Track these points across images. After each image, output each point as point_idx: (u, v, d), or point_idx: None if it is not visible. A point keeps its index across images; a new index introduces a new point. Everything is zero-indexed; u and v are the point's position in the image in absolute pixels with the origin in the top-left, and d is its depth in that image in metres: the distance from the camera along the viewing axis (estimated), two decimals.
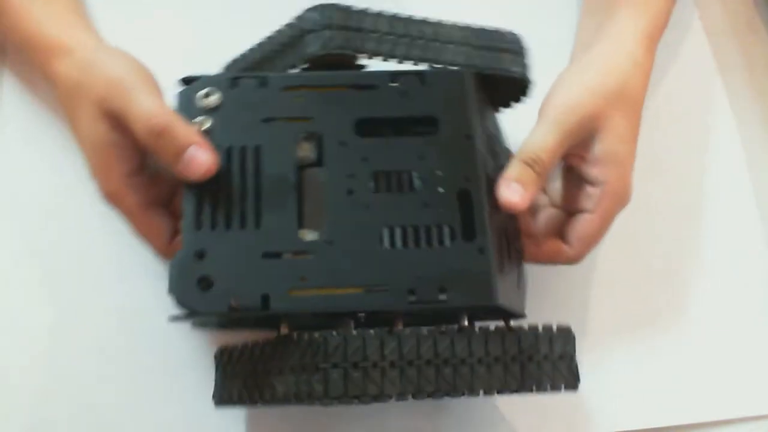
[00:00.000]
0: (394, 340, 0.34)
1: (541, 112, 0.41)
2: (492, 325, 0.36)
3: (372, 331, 0.34)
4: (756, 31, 0.59)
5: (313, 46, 0.39)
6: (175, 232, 0.40)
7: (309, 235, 0.37)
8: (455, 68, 0.40)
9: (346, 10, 0.39)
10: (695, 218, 0.51)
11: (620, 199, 0.41)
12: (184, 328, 0.45)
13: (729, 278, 0.50)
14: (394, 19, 0.40)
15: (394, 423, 0.44)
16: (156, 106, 0.37)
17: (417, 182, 0.37)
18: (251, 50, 0.44)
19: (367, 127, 0.38)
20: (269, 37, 0.42)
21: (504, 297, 0.36)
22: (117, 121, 0.39)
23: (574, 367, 0.37)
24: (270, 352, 0.35)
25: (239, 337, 0.40)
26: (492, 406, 0.45)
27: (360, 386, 0.33)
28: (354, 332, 0.34)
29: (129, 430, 0.44)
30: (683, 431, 0.46)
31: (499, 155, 0.42)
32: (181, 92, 0.39)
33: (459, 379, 0.34)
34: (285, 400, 0.34)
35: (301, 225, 0.37)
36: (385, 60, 0.39)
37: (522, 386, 0.35)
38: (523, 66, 0.42)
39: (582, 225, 0.41)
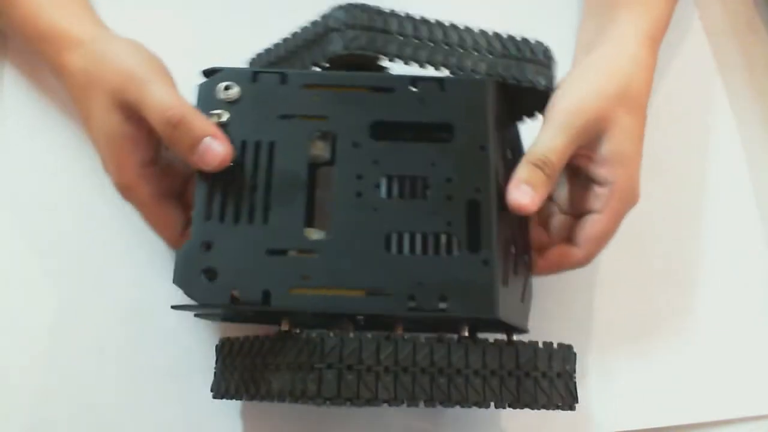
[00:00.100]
0: (390, 345, 0.34)
1: (548, 114, 0.41)
2: (492, 337, 0.36)
3: (369, 335, 0.34)
4: (756, 31, 0.59)
5: (336, 45, 0.39)
6: (187, 224, 0.40)
7: (315, 235, 0.37)
8: (476, 76, 0.39)
9: (372, 11, 0.39)
10: (695, 218, 0.51)
11: (629, 198, 0.41)
12: (184, 328, 0.45)
13: (729, 278, 0.50)
14: (420, 22, 0.40)
15: (393, 423, 0.44)
16: (171, 97, 0.38)
17: (427, 189, 0.37)
18: (276, 45, 0.44)
19: (382, 129, 0.38)
20: (294, 33, 0.43)
21: (505, 311, 0.36)
22: (131, 113, 0.39)
23: (573, 386, 0.37)
24: (269, 347, 0.36)
25: (242, 331, 0.40)
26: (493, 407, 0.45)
27: (353, 389, 0.33)
28: (351, 334, 0.34)
29: (129, 430, 0.44)
30: (683, 431, 0.46)
31: (515, 166, 0.42)
32: (201, 84, 0.39)
33: (453, 389, 0.34)
34: (280, 396, 0.34)
35: (309, 224, 0.37)
36: (407, 63, 0.39)
37: (517, 401, 0.35)
38: (548, 77, 0.41)
39: (591, 225, 0.41)
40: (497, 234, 0.36)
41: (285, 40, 0.43)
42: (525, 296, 0.41)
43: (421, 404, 0.34)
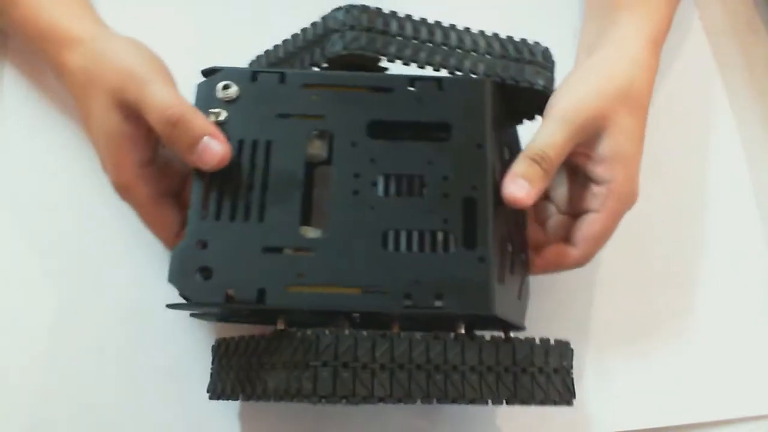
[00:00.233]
0: (386, 342, 0.34)
1: (547, 111, 0.41)
2: (489, 335, 0.36)
3: (365, 332, 0.34)
4: (756, 31, 0.59)
5: (336, 46, 0.39)
6: (184, 224, 0.40)
7: (312, 233, 0.37)
8: (475, 77, 0.40)
9: (372, 12, 0.39)
10: (695, 219, 0.51)
11: (627, 198, 0.41)
12: (184, 328, 0.45)
13: (729, 279, 0.50)
14: (420, 23, 0.40)
15: (391, 421, 0.44)
16: (171, 96, 0.38)
17: (424, 187, 0.37)
18: (276, 47, 0.44)
19: (379, 129, 0.38)
20: (294, 35, 0.43)
21: (501, 308, 0.36)
22: (130, 112, 0.39)
23: (570, 381, 0.37)
24: (264, 347, 0.36)
25: (240, 331, 0.40)
26: (492, 406, 0.45)
27: (349, 386, 0.33)
28: (347, 332, 0.34)
29: (129, 430, 0.44)
30: (683, 431, 0.46)
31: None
32: (201, 83, 0.39)
33: (450, 386, 0.34)
34: (276, 395, 0.34)
35: (305, 222, 0.37)
36: (406, 64, 0.39)
37: (514, 397, 0.35)
38: (547, 78, 0.42)
39: (588, 225, 0.41)
40: (493, 232, 0.36)
41: (285, 41, 0.44)
42: (522, 294, 0.41)
43: (418, 402, 0.34)
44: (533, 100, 0.42)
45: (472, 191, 0.37)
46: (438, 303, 0.35)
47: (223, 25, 0.54)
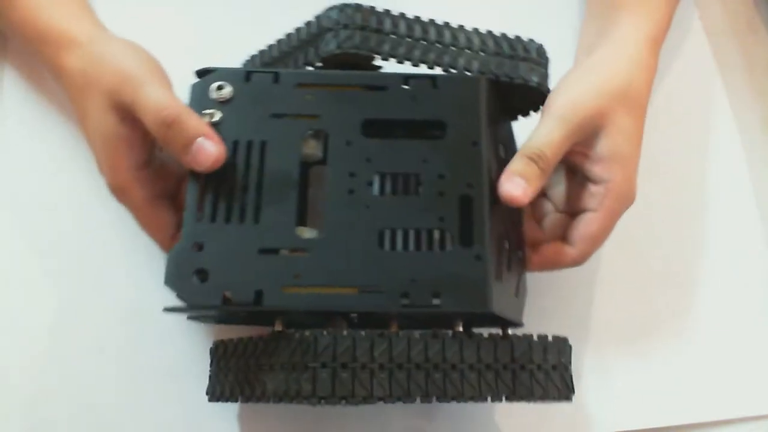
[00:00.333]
0: (384, 342, 0.34)
1: (545, 110, 0.41)
2: (488, 332, 0.36)
3: (363, 332, 0.34)
4: (756, 31, 0.59)
5: (330, 45, 0.39)
6: (180, 226, 0.40)
7: (308, 233, 0.37)
8: (469, 74, 0.40)
9: (366, 11, 0.39)
10: (695, 219, 0.51)
11: (624, 198, 0.41)
12: (185, 328, 0.45)
13: (729, 279, 0.50)
14: (414, 21, 0.40)
15: (393, 422, 0.44)
16: (166, 97, 0.38)
17: (419, 186, 0.37)
18: (270, 47, 0.44)
19: (374, 127, 0.38)
20: (289, 34, 0.43)
21: (499, 305, 0.36)
22: (126, 114, 0.39)
23: (569, 377, 0.37)
24: (262, 348, 0.35)
25: (239, 332, 0.40)
26: (492, 406, 0.45)
27: (348, 387, 0.33)
28: (345, 332, 0.34)
29: (129, 430, 0.44)
30: (683, 431, 0.46)
31: (508, 162, 0.42)
32: (195, 84, 0.39)
33: (449, 384, 0.34)
34: (275, 397, 0.34)
35: (301, 222, 0.37)
36: (400, 62, 0.39)
37: (513, 394, 0.35)
38: (541, 75, 0.42)
39: (585, 224, 0.41)
40: (490, 229, 0.36)
41: (279, 41, 0.43)
42: (519, 290, 0.41)
43: (417, 401, 0.34)
44: (528, 97, 0.42)
45: (468, 189, 0.37)
46: (435, 301, 0.35)
47: (222, 25, 0.54)
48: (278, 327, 0.36)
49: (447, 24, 0.41)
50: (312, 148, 0.38)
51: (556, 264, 0.42)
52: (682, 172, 0.52)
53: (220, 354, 0.39)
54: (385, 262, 0.35)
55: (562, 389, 0.36)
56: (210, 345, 0.41)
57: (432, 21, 0.41)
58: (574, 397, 0.37)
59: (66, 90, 0.43)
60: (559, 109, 0.40)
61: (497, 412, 0.45)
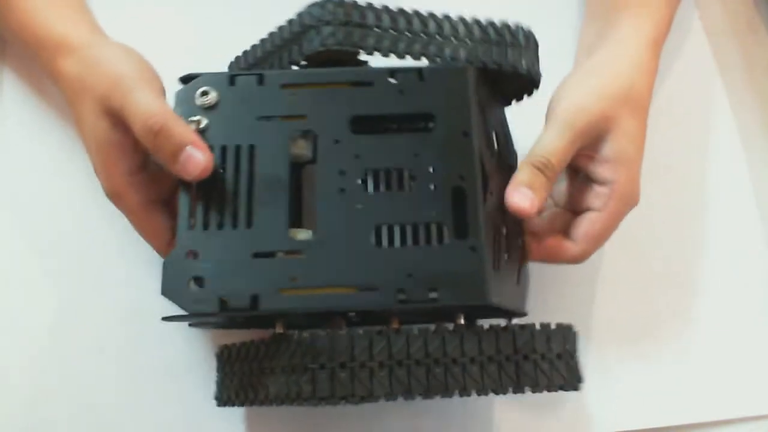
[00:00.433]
0: (383, 339, 0.34)
1: (549, 116, 0.41)
2: (492, 323, 0.35)
3: (361, 331, 0.34)
4: (756, 31, 0.59)
5: (313, 43, 0.38)
6: (176, 231, 0.40)
7: (301, 234, 0.36)
8: (456, 64, 0.39)
9: (349, 5, 0.39)
10: (695, 219, 0.51)
11: (629, 199, 0.41)
12: (184, 328, 0.45)
13: (729, 279, 0.49)
14: (398, 13, 0.40)
15: (394, 422, 0.44)
16: (154, 105, 0.37)
17: (410, 180, 0.36)
18: (254, 47, 0.44)
19: (362, 124, 0.37)
20: (272, 33, 0.42)
21: (497, 295, 0.35)
22: (117, 119, 0.39)
23: (575, 365, 0.36)
24: (264, 351, 0.35)
25: (239, 336, 0.40)
26: (492, 406, 0.45)
27: (347, 387, 0.33)
28: (342, 331, 0.34)
29: (129, 430, 0.44)
30: (683, 431, 0.46)
31: (503, 152, 0.42)
32: (179, 91, 0.39)
33: (451, 379, 0.33)
34: (277, 400, 0.34)
35: (295, 224, 0.37)
36: (385, 56, 0.39)
37: (518, 386, 0.34)
38: (530, 60, 0.41)
39: (589, 222, 0.41)
40: (484, 220, 0.36)
41: (262, 40, 0.43)
42: (521, 278, 0.40)
43: (419, 398, 0.33)
44: (518, 83, 0.42)
45: (460, 180, 0.36)
46: (432, 295, 0.34)
47: (222, 25, 0.54)
48: (279, 329, 0.36)
49: (432, 14, 0.40)
50: (302, 149, 0.38)
51: (556, 257, 0.42)
52: (683, 173, 0.52)
53: (225, 358, 0.39)
54: (379, 259, 0.35)
55: (569, 378, 0.36)
56: (210, 345, 0.41)
57: (417, 12, 0.40)
58: (573, 396, 0.37)
59: (63, 94, 0.43)
60: (563, 115, 0.40)
61: (498, 411, 0.45)
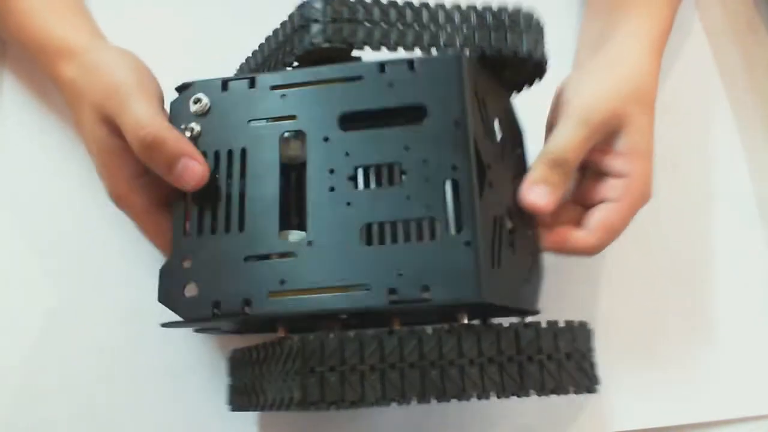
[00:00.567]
0: (374, 341, 0.32)
1: (563, 111, 0.40)
2: (505, 323, 0.34)
3: (351, 333, 0.32)
4: (756, 31, 0.59)
5: (303, 42, 0.38)
6: None
7: (293, 236, 0.36)
8: (449, 52, 0.37)
9: (337, 2, 0.38)
10: (694, 219, 0.51)
11: (643, 193, 0.41)
12: (184, 329, 0.45)
13: (729, 279, 0.49)
14: (389, 5, 0.38)
15: (393, 422, 0.44)
16: (147, 115, 0.37)
17: (403, 174, 0.35)
18: (255, 52, 0.43)
19: (351, 120, 0.37)
20: (268, 37, 0.42)
21: (496, 293, 0.34)
22: (113, 126, 0.39)
23: (588, 366, 0.34)
24: (263, 356, 0.35)
25: (241, 339, 0.40)
26: (492, 406, 0.45)
27: (337, 391, 0.31)
28: (331, 335, 0.32)
29: (129, 430, 0.44)
30: (683, 431, 0.46)
31: (508, 141, 0.40)
32: (174, 100, 0.39)
33: (448, 382, 0.32)
34: (274, 406, 0.34)
35: (288, 226, 0.37)
36: (376, 50, 0.38)
37: (521, 389, 0.33)
38: (531, 43, 0.39)
39: (606, 212, 0.40)
40: (481, 212, 0.34)
41: (260, 45, 0.43)
42: (531, 274, 0.39)
43: (414, 402, 0.32)
44: (522, 68, 0.40)
45: (453, 172, 0.35)
46: (425, 295, 0.33)
47: (222, 27, 0.53)
48: (281, 333, 0.36)
49: (425, 4, 0.39)
50: (295, 149, 0.38)
51: (570, 247, 0.41)
52: (682, 172, 0.52)
53: (235, 362, 0.39)
54: (370, 258, 0.34)
55: (581, 380, 0.34)
56: (209, 346, 0.41)
57: (409, 3, 0.39)
58: (573, 396, 0.36)
59: (63, 98, 0.43)
60: (577, 111, 0.39)
61: (498, 411, 0.45)
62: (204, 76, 0.40)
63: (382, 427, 0.44)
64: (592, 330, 0.35)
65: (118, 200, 0.40)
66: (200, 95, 0.38)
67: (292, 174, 0.39)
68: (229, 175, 0.37)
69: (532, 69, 0.41)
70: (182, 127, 0.38)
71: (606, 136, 0.40)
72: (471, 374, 0.32)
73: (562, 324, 0.34)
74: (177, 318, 0.36)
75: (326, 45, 0.37)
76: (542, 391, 0.33)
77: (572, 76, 0.43)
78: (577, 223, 0.41)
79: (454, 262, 0.33)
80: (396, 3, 0.39)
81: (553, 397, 0.35)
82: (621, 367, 0.47)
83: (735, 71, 0.56)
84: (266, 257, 0.35)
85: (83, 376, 0.44)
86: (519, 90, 0.44)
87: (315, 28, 0.37)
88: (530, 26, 0.39)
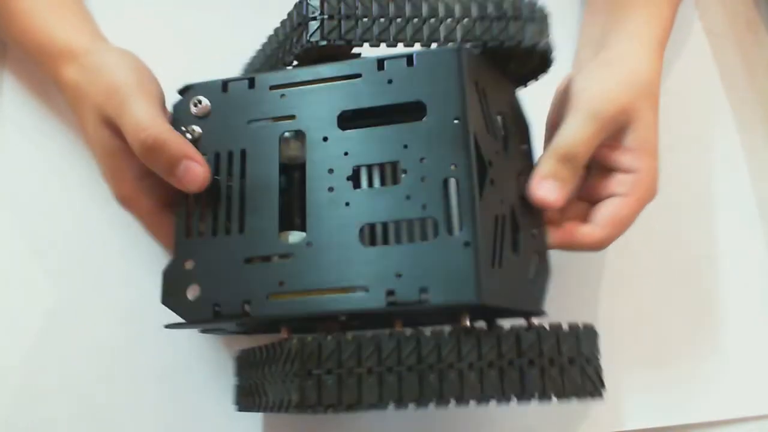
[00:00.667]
0: (371, 344, 0.32)
1: (572, 104, 0.40)
2: (501, 325, 0.34)
3: (350, 335, 0.32)
4: (756, 31, 0.59)
5: (300, 41, 0.38)
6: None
7: (292, 237, 0.36)
8: (449, 45, 0.36)
9: None
10: (694, 219, 0.51)
11: (651, 189, 0.41)
12: (187, 330, 0.45)
13: (728, 279, 0.49)
14: (387, 0, 0.37)
15: (395, 421, 0.44)
16: (148, 117, 0.37)
17: (400, 174, 0.35)
18: (258, 51, 0.43)
19: (350, 119, 0.36)
20: (270, 36, 0.42)
21: (497, 295, 0.33)
22: (115, 128, 0.39)
23: (592, 371, 0.34)
24: (265, 357, 0.35)
25: (244, 340, 0.40)
26: (492, 406, 0.45)
27: (334, 394, 0.31)
28: (329, 337, 0.32)
29: (129, 430, 0.44)
30: (683, 431, 0.46)
31: (513, 137, 0.39)
32: (177, 103, 0.39)
33: (446, 386, 0.31)
34: (275, 407, 0.34)
35: (290, 227, 0.37)
36: (374, 46, 0.37)
37: (522, 394, 0.32)
38: (537, 34, 0.38)
39: (614, 207, 0.40)
40: (481, 211, 0.33)
41: (264, 44, 0.43)
42: (537, 274, 0.38)
43: (411, 407, 0.31)
44: (527, 59, 0.39)
45: (452, 170, 0.34)
46: (423, 296, 0.32)
47: (223, 27, 0.53)
48: (284, 334, 0.35)
49: None
50: (295, 150, 0.38)
51: (577, 243, 0.40)
52: (682, 172, 0.52)
53: (240, 362, 0.39)
54: (368, 259, 0.33)
55: (584, 385, 0.33)
56: (209, 346, 0.41)
57: None
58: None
59: (65, 100, 0.43)
60: (587, 104, 0.39)
61: (498, 410, 0.45)
62: (204, 77, 0.40)
63: (385, 426, 0.44)
64: (598, 334, 0.35)
65: (124, 201, 0.40)
66: (201, 97, 0.38)
67: (295, 174, 0.38)
68: (230, 177, 0.37)
69: (538, 60, 0.40)
70: (183, 129, 0.38)
71: (614, 131, 0.40)
72: (470, 378, 0.31)
73: (565, 327, 0.34)
74: (179, 319, 0.36)
75: (323, 43, 0.37)
76: (544, 396, 0.32)
77: (577, 72, 0.43)
78: (583, 219, 0.41)
79: (452, 264, 0.32)
80: None
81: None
82: (621, 368, 0.47)
83: (735, 71, 0.56)
84: (266, 259, 0.35)
85: (83, 376, 0.44)
86: (525, 83, 0.43)
87: (312, 26, 0.37)
88: (534, 15, 0.38)
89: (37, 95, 0.51)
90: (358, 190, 0.35)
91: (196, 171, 0.36)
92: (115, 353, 0.45)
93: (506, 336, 0.33)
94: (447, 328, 0.33)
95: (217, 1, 0.54)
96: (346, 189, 0.35)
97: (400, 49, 0.37)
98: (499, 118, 0.39)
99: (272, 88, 0.38)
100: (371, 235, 0.35)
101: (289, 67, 0.39)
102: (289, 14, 0.39)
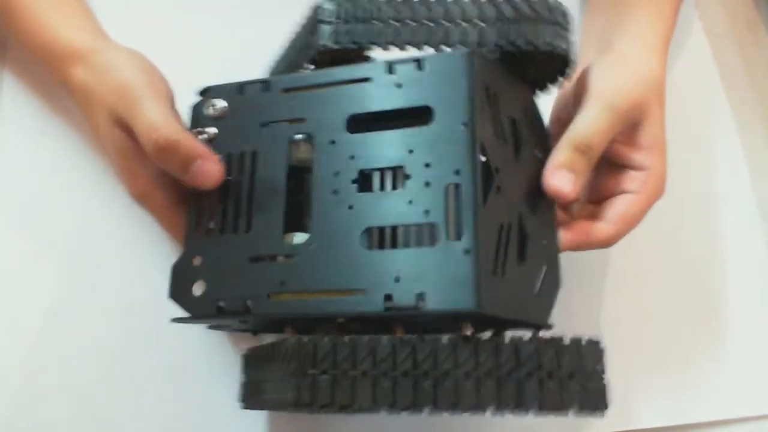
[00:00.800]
0: (366, 347, 0.32)
1: (588, 95, 0.39)
2: (513, 334, 0.33)
3: (346, 338, 0.32)
4: (756, 31, 0.59)
5: (314, 45, 0.38)
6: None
7: (297, 238, 0.36)
8: (459, 50, 0.36)
9: (348, 2, 0.37)
10: (694, 219, 0.51)
11: (660, 187, 0.41)
12: (185, 328, 0.45)
13: (728, 279, 0.49)
14: (401, 3, 0.37)
15: (395, 420, 0.44)
16: (160, 117, 0.37)
17: (407, 178, 0.34)
18: (281, 55, 0.44)
19: (359, 123, 0.36)
20: (291, 38, 0.42)
21: (498, 304, 0.33)
22: (129, 128, 0.39)
23: (594, 387, 0.33)
24: (268, 355, 0.35)
25: (246, 339, 0.40)
26: None
27: (328, 395, 0.31)
28: (326, 338, 0.32)
29: (129, 430, 0.44)
30: (683, 431, 0.46)
31: (527, 142, 0.38)
32: (196, 104, 0.39)
33: (441, 393, 0.31)
34: (274, 406, 0.34)
35: (297, 228, 0.37)
36: (386, 49, 0.37)
37: (519, 406, 0.31)
38: (556, 37, 0.36)
39: (626, 203, 0.40)
40: (484, 218, 0.33)
41: (284, 48, 0.43)
42: (543, 286, 0.37)
43: (407, 412, 0.31)
44: (547, 63, 0.38)
45: (456, 176, 0.33)
46: (421, 302, 0.32)
47: (226, 27, 0.53)
48: (288, 333, 0.36)
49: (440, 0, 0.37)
50: (305, 152, 0.38)
51: (588, 242, 0.40)
52: (682, 172, 0.52)
53: (246, 360, 0.39)
54: (369, 262, 0.33)
55: (585, 401, 0.32)
56: (209, 345, 0.41)
57: (423, 0, 0.37)
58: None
59: (74, 101, 0.43)
60: (604, 96, 0.39)
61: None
62: (204, 76, 0.40)
63: (386, 425, 0.44)
64: (603, 348, 0.34)
65: (140, 198, 0.40)
66: (217, 99, 0.39)
67: (306, 176, 0.38)
68: (240, 177, 0.37)
69: (560, 64, 0.38)
70: (198, 130, 0.38)
71: (628, 126, 0.40)
72: (466, 387, 0.31)
73: (566, 341, 0.33)
74: (184, 314, 0.37)
75: (336, 47, 0.37)
76: (542, 409, 0.31)
77: (597, 62, 0.42)
78: (592, 219, 0.41)
79: (451, 270, 0.32)
80: (409, 0, 0.37)
81: None
82: (621, 368, 0.46)
83: (735, 71, 0.56)
84: (272, 258, 0.36)
85: (83, 376, 0.44)
86: (545, 87, 0.41)
87: (325, 29, 0.37)
88: (554, 16, 0.37)
89: (37, 95, 0.51)
90: (361, 193, 0.35)
91: (209, 168, 0.36)
92: (116, 353, 0.45)
93: (505, 346, 0.32)
94: (441, 336, 0.33)
95: (217, 1, 0.54)
96: (350, 192, 0.35)
97: (412, 52, 0.37)
98: (511, 123, 0.38)
99: (284, 91, 0.38)
100: (373, 238, 0.35)
101: (303, 71, 0.39)
102: (305, 16, 0.40)
